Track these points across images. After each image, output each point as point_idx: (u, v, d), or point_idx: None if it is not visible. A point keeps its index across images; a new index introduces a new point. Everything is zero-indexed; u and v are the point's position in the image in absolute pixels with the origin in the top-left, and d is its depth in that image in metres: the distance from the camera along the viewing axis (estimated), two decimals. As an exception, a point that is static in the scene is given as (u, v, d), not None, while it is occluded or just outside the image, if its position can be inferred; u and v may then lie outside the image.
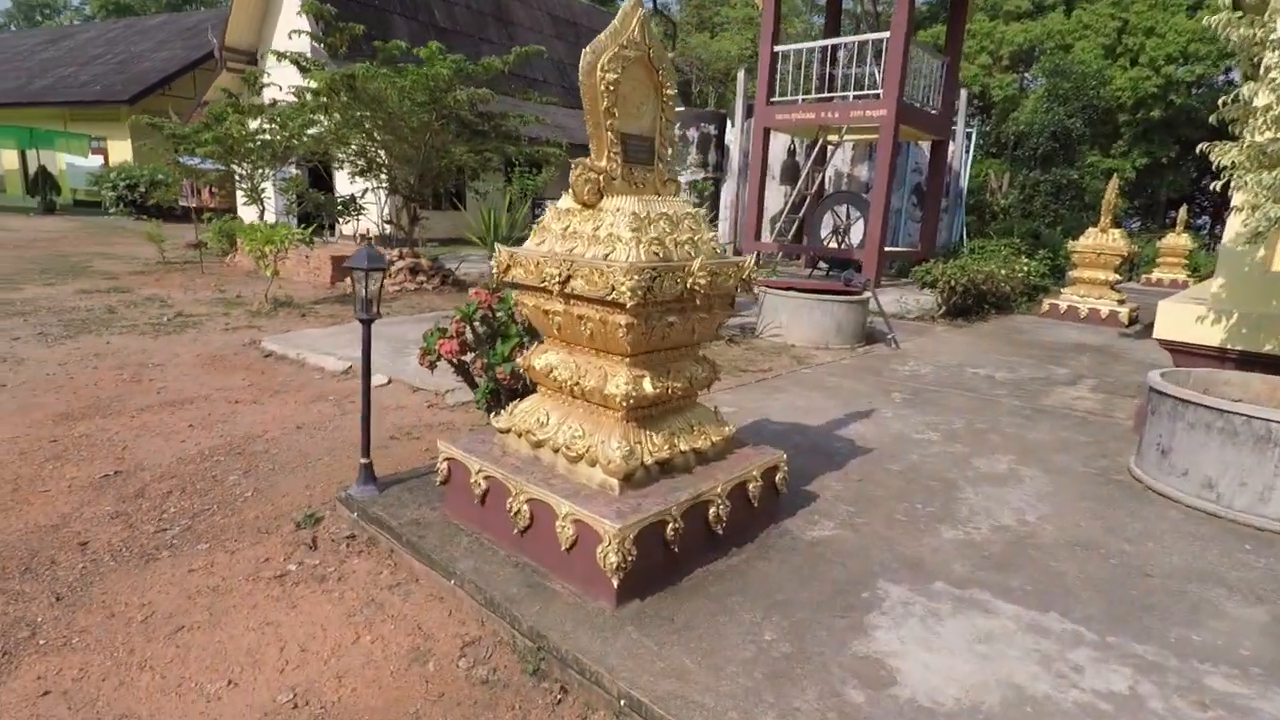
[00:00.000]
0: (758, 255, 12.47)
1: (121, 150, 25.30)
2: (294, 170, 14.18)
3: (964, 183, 15.56)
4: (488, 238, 8.99)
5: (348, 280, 10.45)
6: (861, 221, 11.82)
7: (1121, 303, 10.36)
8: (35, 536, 3.23)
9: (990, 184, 18.26)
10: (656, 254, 2.70)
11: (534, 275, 2.87)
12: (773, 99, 12.23)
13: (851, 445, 4.52)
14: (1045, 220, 17.51)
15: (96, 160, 25.61)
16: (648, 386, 2.82)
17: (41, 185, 22.63)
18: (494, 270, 3.03)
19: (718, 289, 2.90)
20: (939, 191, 13.39)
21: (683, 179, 15.81)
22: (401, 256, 10.36)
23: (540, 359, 3.07)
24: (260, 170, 11.52)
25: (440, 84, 8.31)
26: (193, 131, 11.28)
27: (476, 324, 4.01)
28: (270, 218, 14.33)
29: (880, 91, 10.84)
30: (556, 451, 2.93)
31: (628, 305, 2.54)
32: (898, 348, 7.83)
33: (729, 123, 16.03)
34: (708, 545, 2.92)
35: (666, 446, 2.91)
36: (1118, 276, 10.66)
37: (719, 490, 2.91)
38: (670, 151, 3.04)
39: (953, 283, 9.70)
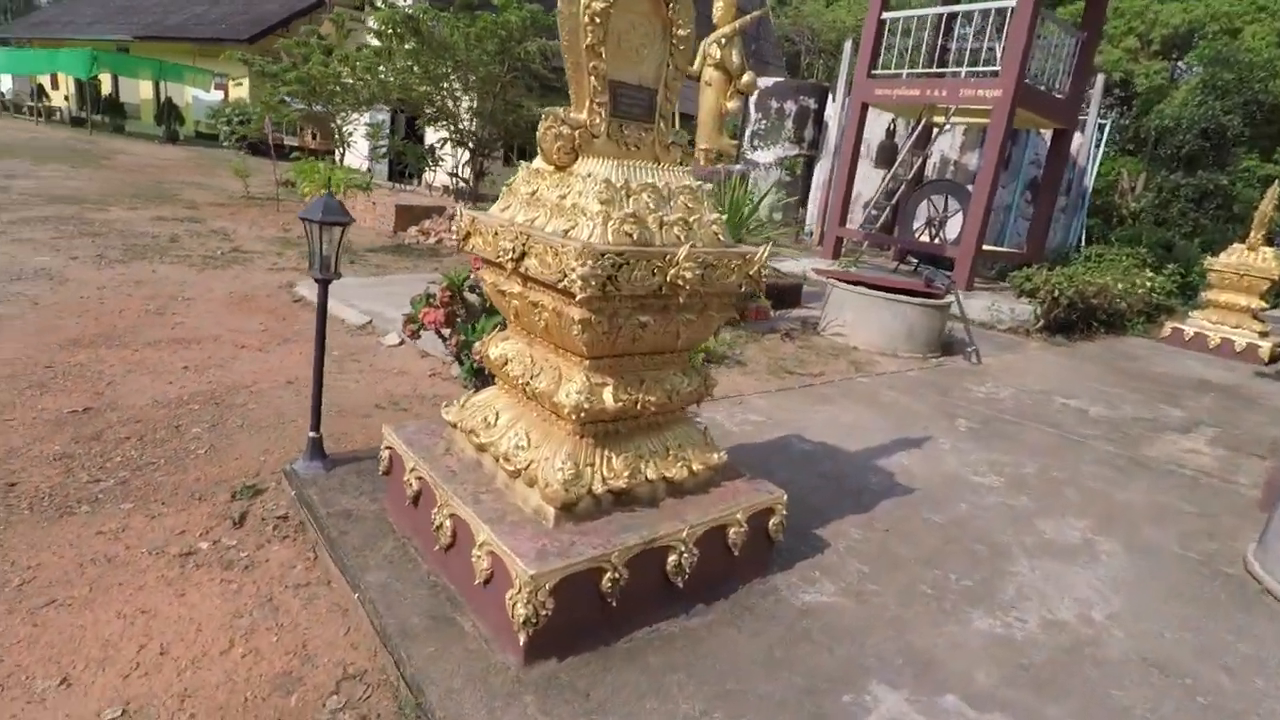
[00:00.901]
0: (839, 244, 11.55)
1: (242, 87, 26.35)
2: (381, 116, 14.17)
3: (1089, 181, 13.95)
4: None
5: (411, 229, 10.28)
6: (961, 215, 10.69)
7: (1264, 335, 8.92)
8: (-32, 471, 3.04)
9: (1121, 184, 16.31)
10: (629, 235, 2.14)
11: (490, 248, 2.37)
12: (874, 71, 11.14)
13: (889, 481, 3.85)
14: (1181, 230, 15.52)
15: (218, 95, 26.80)
16: (607, 398, 2.28)
17: (167, 116, 23.84)
18: (454, 237, 2.54)
19: (713, 285, 2.31)
20: (1056, 188, 11.99)
21: (771, 154, 14.91)
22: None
23: (496, 347, 2.58)
24: (343, 113, 11.47)
25: (511, 33, 7.85)
26: (281, 70, 11.30)
27: (466, 294, 3.56)
28: (356, 162, 14.41)
29: (998, 69, 9.63)
30: (498, 460, 2.44)
31: (577, 296, 2.00)
32: (978, 363, 6.93)
33: (830, 97, 14.94)
34: (662, 598, 2.38)
35: (627, 473, 2.37)
36: (1263, 304, 9.19)
37: (684, 535, 2.36)
38: (670, 107, 2.44)
39: (1056, 293, 8.58)
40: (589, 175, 2.20)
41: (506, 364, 2.50)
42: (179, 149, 21.63)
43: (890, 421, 4.85)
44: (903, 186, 12.14)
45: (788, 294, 8.17)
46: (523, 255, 2.20)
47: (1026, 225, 13.03)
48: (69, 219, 8.65)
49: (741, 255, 2.37)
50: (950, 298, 7.12)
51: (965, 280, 9.71)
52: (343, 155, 12.12)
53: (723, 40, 7.56)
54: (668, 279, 2.18)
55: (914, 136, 11.78)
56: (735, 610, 2.53)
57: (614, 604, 2.20)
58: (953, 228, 11.14)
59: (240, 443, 3.54)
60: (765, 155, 15.28)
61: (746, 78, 7.63)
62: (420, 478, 2.56)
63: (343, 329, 5.61)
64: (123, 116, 25.47)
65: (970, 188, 10.82)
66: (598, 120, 2.27)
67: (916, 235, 11.61)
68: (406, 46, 8.10)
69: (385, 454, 2.81)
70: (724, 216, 2.39)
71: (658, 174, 2.35)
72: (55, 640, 2.18)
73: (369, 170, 14.50)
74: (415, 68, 8.51)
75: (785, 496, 2.71)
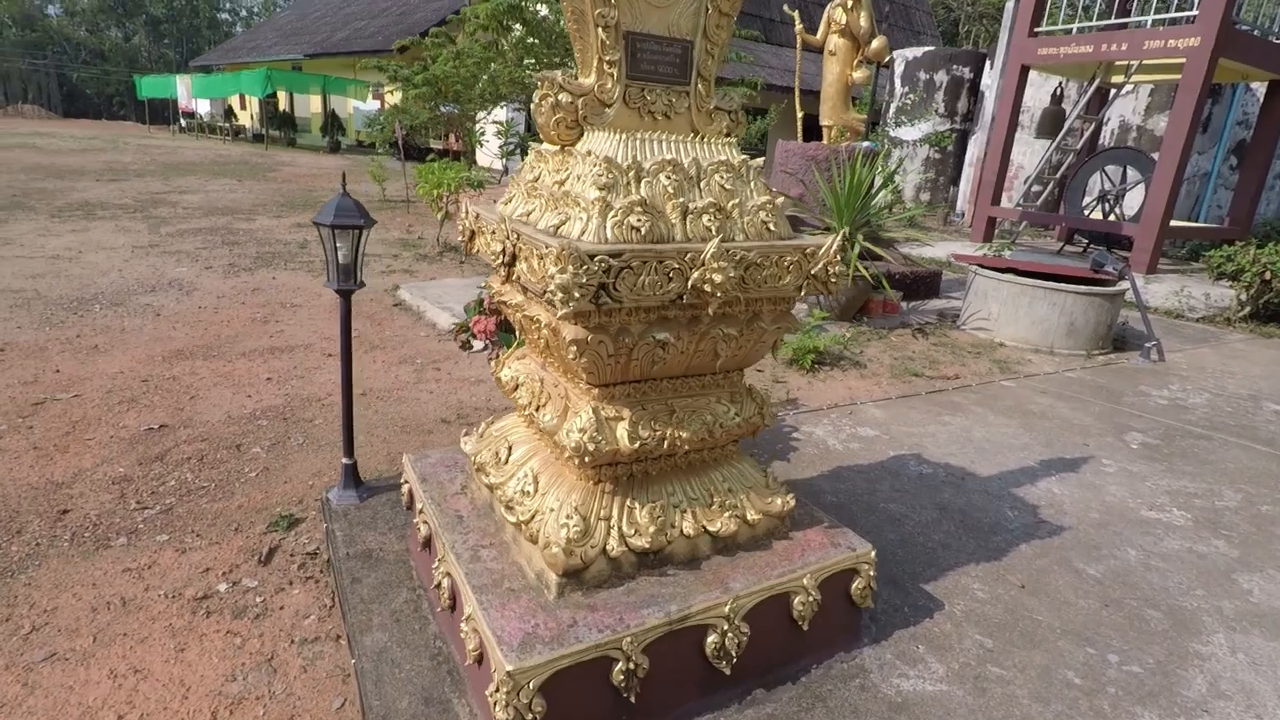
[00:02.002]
0: (991, 225, 10.27)
1: (395, 95, 28.06)
2: (510, 113, 14.29)
3: (1315, 138, 11.56)
4: None
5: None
6: (1142, 187, 9.12)
7: None
8: (35, 493, 3.05)
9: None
10: (636, 229, 1.64)
11: (488, 249, 1.95)
12: (1038, 29, 9.74)
13: (1030, 517, 3.08)
14: None
15: (375, 104, 28.69)
16: (622, 436, 1.80)
17: (330, 127, 25.80)
18: (460, 238, 2.16)
19: (759, 289, 1.77)
20: (1271, 151, 9.97)
21: (919, 131, 13.61)
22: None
23: (509, 369, 2.17)
24: (471, 112, 11.57)
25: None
26: (411, 74, 11.60)
27: (516, 300, 3.18)
28: (487, 161, 14.64)
29: (1195, 12, 8.04)
30: (505, 507, 2.03)
31: (559, 311, 1.54)
32: (1159, 360, 5.74)
33: (988, 64, 13.41)
34: (704, 685, 1.87)
35: (654, 527, 1.88)
36: None
37: (726, 609, 1.83)
38: (714, 64, 1.90)
39: (1268, 273, 7.03)
40: (588, 154, 1.73)
41: (517, 389, 2.08)
42: (338, 158, 23.28)
43: (1037, 436, 3.99)
44: (1071, 158, 10.61)
45: (923, 283, 7.24)
46: (514, 258, 1.77)
47: (1229, 196, 10.99)
48: (218, 230, 9.28)
49: (800, 249, 1.80)
50: (1124, 283, 5.95)
51: (1147, 261, 8.25)
52: (473, 155, 12.31)
53: (849, 3, 6.78)
54: (689, 284, 1.66)
55: (1086, 100, 10.21)
56: (804, 700, 1.97)
57: (632, 699, 1.72)
58: (1132, 202, 9.56)
59: (295, 464, 3.38)
60: (911, 132, 13.98)
61: (876, 44, 6.81)
62: (427, 521, 2.20)
63: (432, 334, 5.48)
64: (295, 130, 27.87)
65: (1154, 155, 9.21)
66: (609, 84, 1.79)
67: (1086, 212, 10.08)
68: (513, 37, 7.93)
69: (405, 488, 2.49)
70: (780, 201, 1.83)
71: (685, 148, 1.83)
72: (38, 705, 2.02)
73: (503, 168, 14.69)
74: (526, 59, 8.33)
75: (873, 552, 2.11)
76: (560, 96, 1.76)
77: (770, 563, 1.98)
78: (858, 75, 6.99)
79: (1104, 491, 3.37)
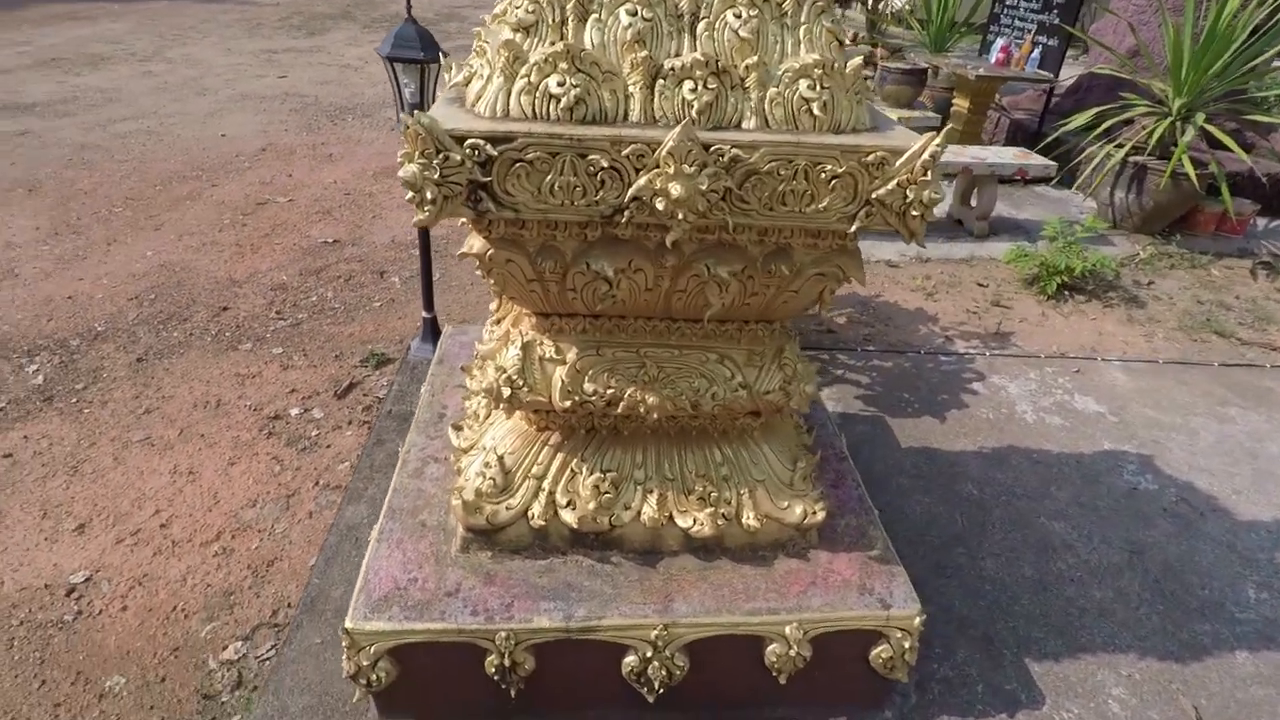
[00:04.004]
0: None
1: None
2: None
3: None
4: (928, 27, 6.42)
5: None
6: None
7: None
8: (216, 286, 3.43)
9: None
10: (555, 98, 1.07)
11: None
12: None
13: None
14: None
15: None
16: (556, 386, 1.35)
17: None
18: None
19: (769, 215, 1.13)
20: None
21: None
22: (855, 40, 8.43)
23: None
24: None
25: None
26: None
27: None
28: None
29: None
30: (454, 427, 1.72)
31: (422, 210, 1.09)
32: None
33: None
34: (623, 701, 1.49)
35: (593, 504, 1.44)
36: None
37: (653, 636, 1.38)
38: None
39: None
40: (520, -29, 1.14)
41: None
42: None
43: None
44: None
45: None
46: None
47: None
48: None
49: (854, 153, 1.09)
50: None
51: None
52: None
53: None
54: (629, 196, 1.08)
55: None
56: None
57: (512, 694, 1.41)
58: None
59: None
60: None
61: None
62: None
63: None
64: None
65: None
66: None
67: None
68: None
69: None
70: (854, 64, 1.10)
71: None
72: (113, 480, 2.27)
73: None
74: None
75: (917, 618, 1.46)
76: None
77: (751, 588, 1.46)
78: None
79: None
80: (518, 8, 1.09)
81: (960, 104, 5.42)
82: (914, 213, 1.11)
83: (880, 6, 8.88)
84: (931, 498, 2.35)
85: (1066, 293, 3.67)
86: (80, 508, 2.16)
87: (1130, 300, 3.73)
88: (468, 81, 1.15)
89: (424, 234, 2.62)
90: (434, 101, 2.25)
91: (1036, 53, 5.26)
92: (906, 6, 8.10)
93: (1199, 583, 2.08)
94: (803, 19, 1.13)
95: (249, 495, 2.25)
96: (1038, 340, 3.30)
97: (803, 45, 1.13)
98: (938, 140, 1.07)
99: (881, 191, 1.11)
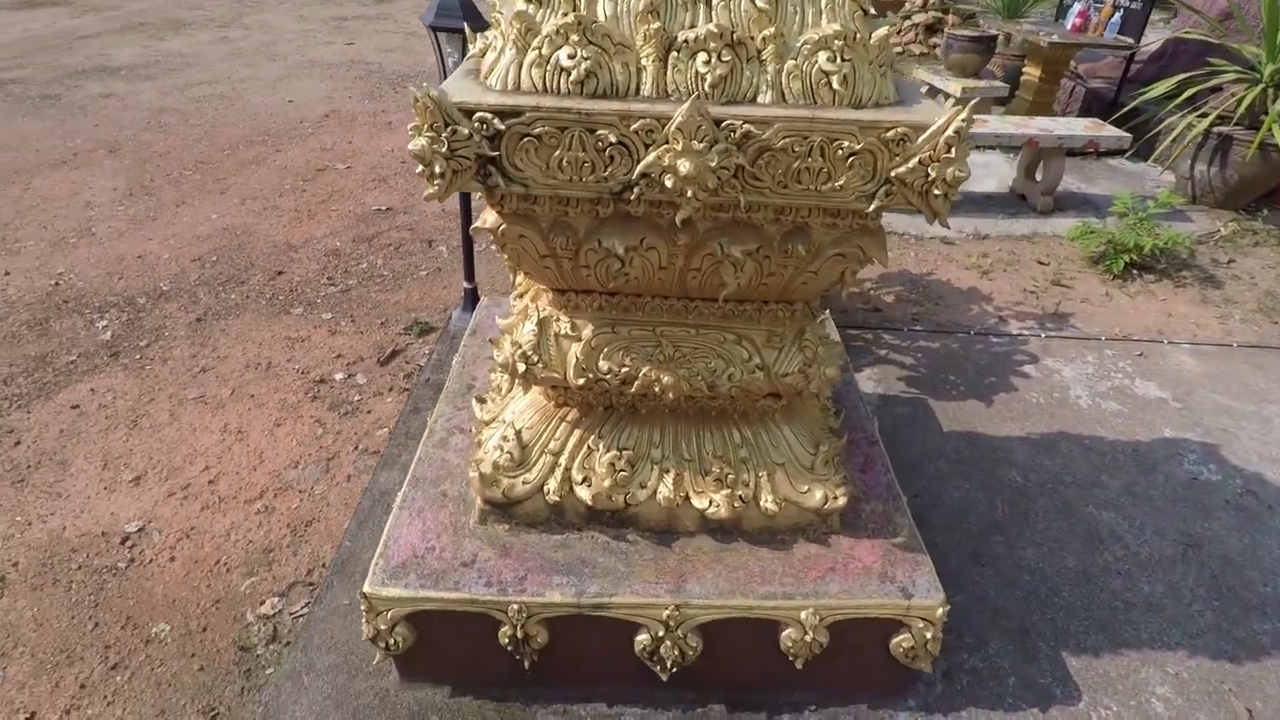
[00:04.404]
0: None
1: None
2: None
3: None
4: None
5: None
6: None
7: None
8: (274, 250, 3.54)
9: None
10: (565, 70, 1.05)
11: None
12: None
13: (1353, 611, 1.91)
14: None
15: None
16: (570, 363, 1.35)
17: None
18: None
19: (783, 193, 1.09)
20: None
21: None
22: (924, 7, 8.03)
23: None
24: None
25: None
26: None
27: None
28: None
29: None
30: (477, 400, 1.74)
31: (432, 184, 1.09)
32: None
33: None
34: (636, 679, 1.50)
35: (609, 481, 1.44)
36: None
37: (664, 616, 1.38)
38: None
39: None
40: (537, -60, 1.11)
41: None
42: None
43: None
44: None
45: None
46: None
47: None
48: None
49: (873, 128, 1.04)
50: None
51: None
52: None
53: None
54: (638, 172, 1.05)
55: None
56: (767, 739, 1.50)
57: (525, 665, 1.44)
58: None
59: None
60: None
61: None
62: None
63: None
64: None
65: None
66: None
67: None
68: None
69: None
70: (881, 34, 1.05)
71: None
72: (168, 436, 2.40)
73: None
74: None
75: (940, 609, 1.42)
76: None
77: (767, 571, 1.44)
78: None
79: None
80: (527, -23, 1.07)
81: (1031, 72, 5.13)
82: (936, 192, 1.05)
83: (954, -35, 8.41)
84: (971, 483, 2.28)
85: (1135, 272, 3.47)
86: (137, 460, 2.29)
87: (1205, 280, 3.50)
88: (483, 53, 1.13)
89: (465, 204, 2.64)
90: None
91: (1117, 17, 4.91)
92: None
93: (1260, 579, 1.97)
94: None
95: (292, 456, 2.34)
96: (1099, 322, 3.13)
97: (824, 15, 1.07)
98: (963, 115, 1.01)
99: (902, 169, 1.05)
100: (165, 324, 2.96)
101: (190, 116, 5.25)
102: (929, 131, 1.03)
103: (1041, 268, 3.56)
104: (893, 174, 1.06)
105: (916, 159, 1.04)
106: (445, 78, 2.28)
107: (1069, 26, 5.00)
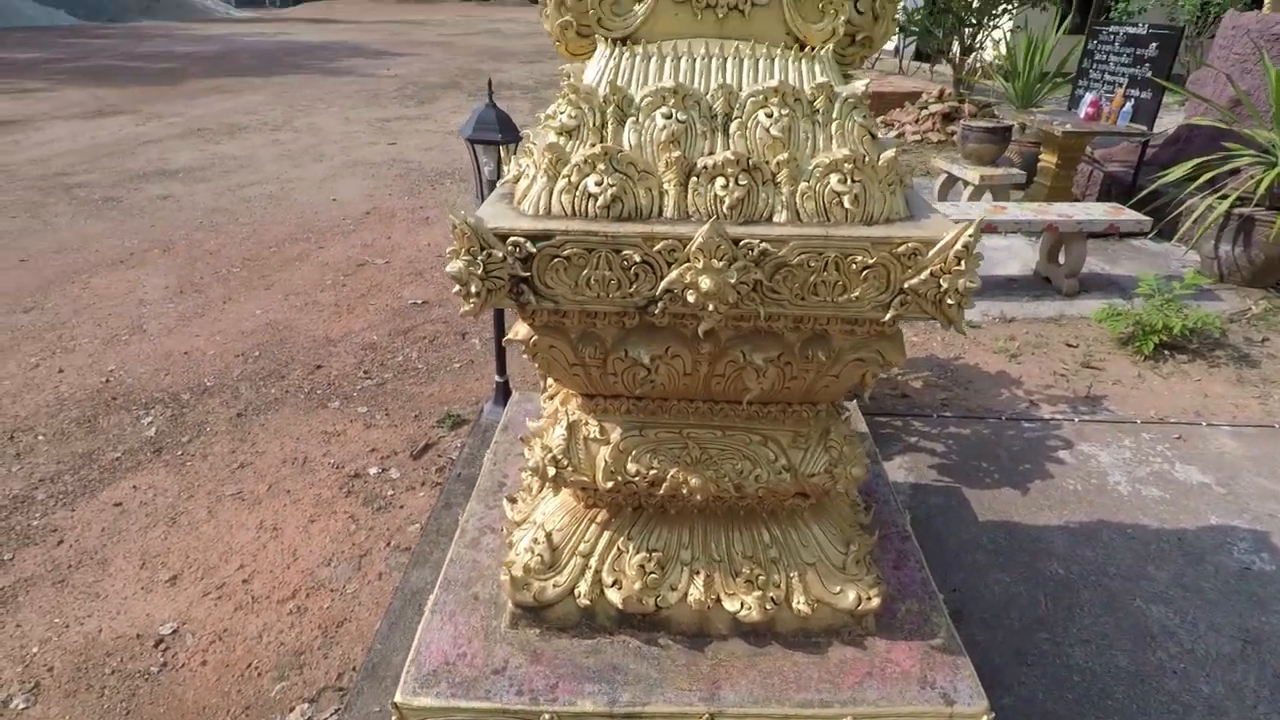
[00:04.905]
0: None
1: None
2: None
3: None
4: (1015, 82, 6.22)
5: (877, 120, 9.09)
6: None
7: None
8: (314, 345, 3.67)
9: None
10: (593, 196, 1.12)
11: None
12: None
13: None
14: None
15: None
16: (600, 466, 1.37)
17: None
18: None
19: (801, 305, 1.13)
20: None
21: None
22: (940, 98, 8.32)
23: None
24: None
25: None
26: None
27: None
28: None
29: None
30: (509, 500, 1.77)
31: (468, 302, 1.15)
32: None
33: None
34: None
35: (639, 584, 1.44)
36: None
37: (699, 722, 1.35)
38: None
39: None
40: (568, 76, 1.21)
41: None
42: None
43: None
44: None
45: None
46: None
47: None
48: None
49: (885, 245, 1.08)
50: None
51: None
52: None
53: None
54: (662, 288, 1.11)
55: None
56: None
57: (556, 778, 1.41)
58: None
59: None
60: None
61: None
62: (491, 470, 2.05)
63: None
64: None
65: None
66: (639, -33, 1.22)
67: None
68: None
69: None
70: (889, 155, 1.11)
71: (735, 64, 1.19)
72: (205, 533, 2.44)
73: (897, 50, 13.11)
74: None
75: (985, 715, 1.37)
76: (564, -13, 1.25)
77: (802, 677, 1.41)
78: None
79: None
80: (562, 113, 1.16)
81: (1048, 159, 5.25)
82: (949, 301, 1.08)
83: (969, 61, 8.75)
84: (1011, 576, 2.22)
85: (1166, 352, 3.44)
86: (175, 559, 2.33)
87: (1241, 359, 3.45)
88: (517, 179, 1.22)
89: (496, 302, 2.73)
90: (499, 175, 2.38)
91: (1129, 106, 5.04)
92: (995, 62, 7.95)
93: (1321, 690, 1.86)
94: (834, 115, 1.14)
95: (325, 553, 2.36)
96: (1133, 404, 3.09)
97: (834, 140, 1.14)
98: (970, 230, 1.05)
99: (915, 281, 1.09)
100: (207, 419, 3.06)
101: (240, 215, 5.56)
102: (938, 246, 1.08)
103: (1070, 350, 3.55)
104: (906, 285, 1.10)
105: (928, 271, 1.08)
106: (481, 185, 2.43)
107: (1082, 115, 5.14)
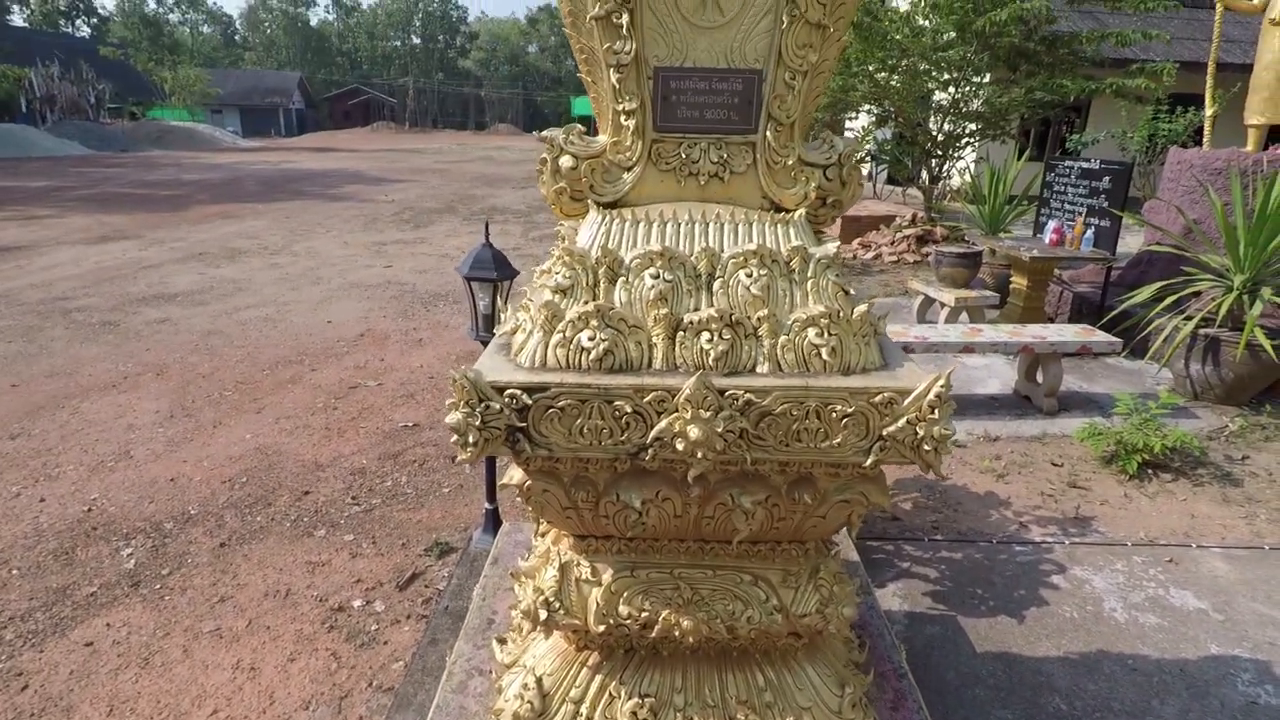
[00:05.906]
0: None
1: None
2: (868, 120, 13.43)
3: None
4: (981, 208, 6.63)
5: (854, 242, 9.49)
6: None
7: None
8: (302, 469, 3.66)
9: None
10: (585, 350, 1.19)
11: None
12: None
13: None
14: None
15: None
16: (592, 609, 1.37)
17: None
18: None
19: (785, 451, 1.18)
20: None
21: None
22: (913, 221, 8.77)
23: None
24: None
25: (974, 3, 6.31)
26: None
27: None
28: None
29: None
30: (498, 640, 1.74)
31: (465, 451, 1.19)
32: None
33: None
34: None
35: (633, 731, 1.40)
36: None
37: None
38: (798, 101, 1.32)
39: None
40: (563, 239, 1.31)
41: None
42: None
43: None
44: None
45: None
46: (504, 360, 1.44)
47: None
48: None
49: (863, 395, 1.15)
50: None
51: None
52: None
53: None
54: (651, 437, 1.16)
55: None
56: None
57: None
58: None
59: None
60: None
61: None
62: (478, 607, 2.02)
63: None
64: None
65: None
66: (626, 141, 1.34)
67: None
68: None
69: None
70: (861, 311, 1.20)
71: (716, 227, 1.29)
72: (179, 675, 2.35)
73: (871, 176, 13.95)
74: (854, 64, 7.66)
75: None
76: (561, 161, 1.37)
77: (800, 833, 1.35)
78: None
79: None
80: (557, 273, 1.24)
81: (1019, 281, 5.50)
82: (926, 447, 1.13)
83: (937, 188, 9.30)
84: (1013, 713, 2.15)
85: (1150, 471, 3.48)
86: (144, 704, 2.22)
87: (1223, 478, 3.49)
88: (514, 331, 1.29)
89: (487, 429, 2.77)
90: (503, 312, 2.48)
91: (1090, 233, 5.35)
92: (962, 189, 8.45)
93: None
94: (809, 274, 1.24)
95: (304, 696, 2.27)
96: (1122, 525, 3.10)
97: (810, 297, 1.23)
98: (942, 381, 1.12)
99: (892, 428, 1.15)
100: (189, 550, 3.00)
101: (235, 338, 5.65)
102: (912, 395, 1.14)
103: (1055, 469, 3.58)
104: (884, 433, 1.16)
105: (904, 419, 1.14)
106: (477, 318, 2.52)
107: (1047, 241, 5.43)
